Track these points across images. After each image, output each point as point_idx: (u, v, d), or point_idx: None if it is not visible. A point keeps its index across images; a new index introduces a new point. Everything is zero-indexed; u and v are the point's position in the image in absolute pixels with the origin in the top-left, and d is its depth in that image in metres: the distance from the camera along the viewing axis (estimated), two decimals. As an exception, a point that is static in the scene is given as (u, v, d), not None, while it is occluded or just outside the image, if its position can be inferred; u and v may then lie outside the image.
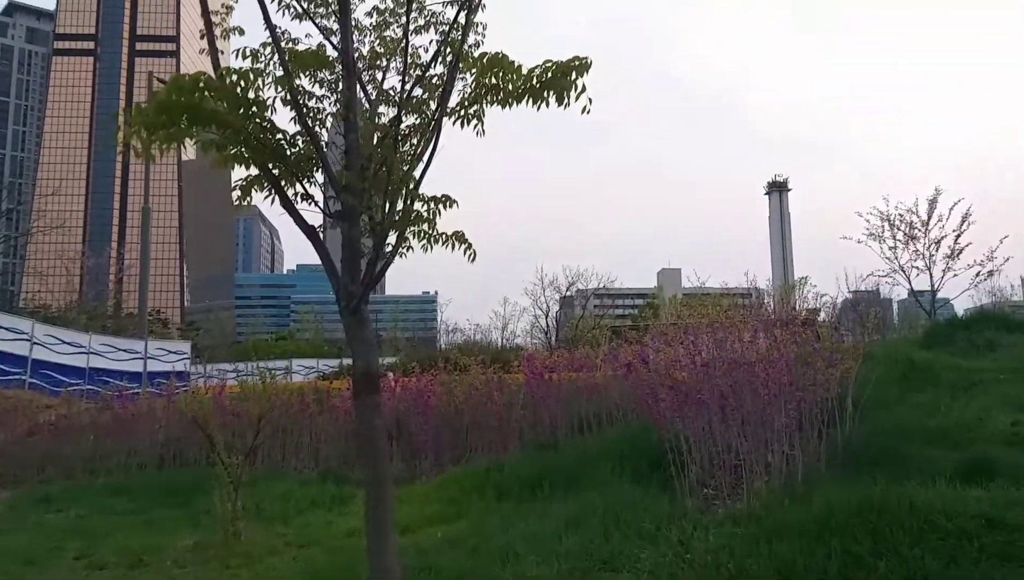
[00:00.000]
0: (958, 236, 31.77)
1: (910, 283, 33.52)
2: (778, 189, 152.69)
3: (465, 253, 8.51)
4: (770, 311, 14.13)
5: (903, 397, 12.59)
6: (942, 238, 32.02)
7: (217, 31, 8.96)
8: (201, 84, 7.15)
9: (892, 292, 44.10)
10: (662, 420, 9.87)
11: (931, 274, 32.60)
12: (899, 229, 32.71)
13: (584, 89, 7.99)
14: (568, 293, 72.44)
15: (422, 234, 8.64)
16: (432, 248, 8.50)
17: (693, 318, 12.36)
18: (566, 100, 7.90)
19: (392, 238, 8.47)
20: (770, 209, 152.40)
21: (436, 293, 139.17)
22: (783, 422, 9.06)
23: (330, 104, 9.24)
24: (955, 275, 32.21)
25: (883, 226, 33.07)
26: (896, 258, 33.11)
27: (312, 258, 8.90)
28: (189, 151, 7.82)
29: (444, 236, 8.62)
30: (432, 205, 8.59)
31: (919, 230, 32.40)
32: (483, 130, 8.73)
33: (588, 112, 8.02)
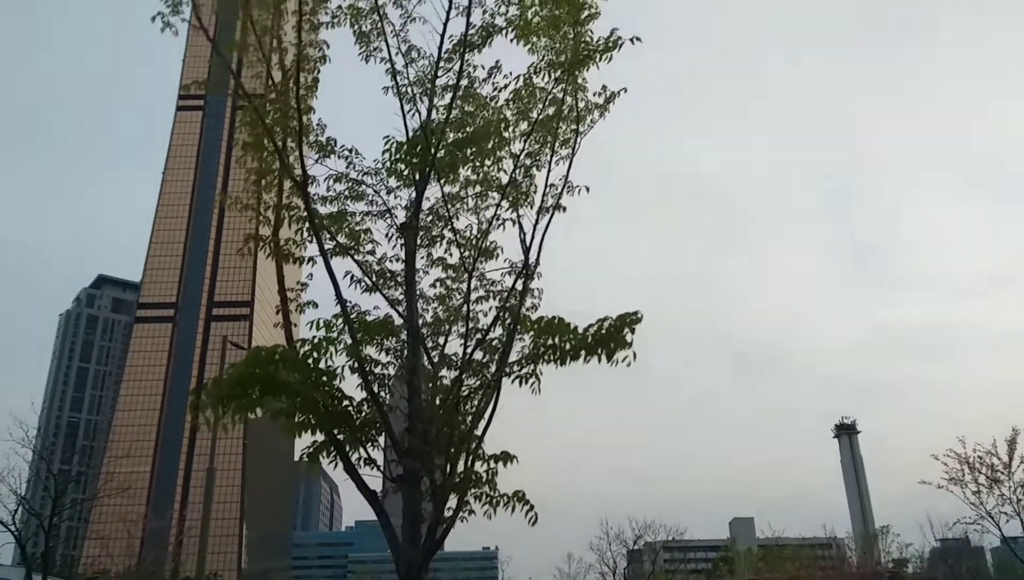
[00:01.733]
0: (1044, 478, 30.05)
1: (1000, 530, 31.31)
2: (847, 432, 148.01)
3: (526, 515, 8.42)
4: (854, 565, 13.30)
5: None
6: (1028, 481, 30.31)
7: (292, 306, 9.65)
8: (277, 357, 7.62)
9: (983, 539, 41.16)
10: None
11: (1022, 519, 30.51)
12: (980, 472, 31.15)
13: (631, 343, 8.25)
14: (636, 546, 69.03)
15: (483, 496, 8.63)
16: (494, 511, 8.43)
17: (772, 575, 11.72)
18: (616, 359, 8.15)
19: (453, 502, 8.48)
20: (841, 453, 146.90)
21: (496, 548, 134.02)
22: None
23: (394, 369, 9.68)
24: (1048, 520, 30.08)
25: (963, 470, 31.54)
26: (982, 503, 31.23)
27: (372, 514, 8.88)
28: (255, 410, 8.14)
29: (505, 497, 8.58)
30: (492, 463, 8.65)
31: (1002, 473, 30.82)
32: (539, 389, 8.95)
33: (630, 365, 8.24)
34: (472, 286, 9.70)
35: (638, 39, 9.30)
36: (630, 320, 8.13)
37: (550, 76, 9.55)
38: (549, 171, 9.78)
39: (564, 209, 9.57)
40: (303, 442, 8.73)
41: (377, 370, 9.20)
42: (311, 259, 9.54)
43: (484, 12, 9.72)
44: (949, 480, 31.83)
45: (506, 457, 8.54)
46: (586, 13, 9.36)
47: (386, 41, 9.87)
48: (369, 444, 8.68)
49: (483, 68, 9.96)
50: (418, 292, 9.64)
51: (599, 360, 8.34)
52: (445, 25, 9.63)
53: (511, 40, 9.64)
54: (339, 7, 10.01)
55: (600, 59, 9.30)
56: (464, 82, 9.80)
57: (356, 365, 8.48)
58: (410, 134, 9.54)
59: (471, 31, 9.58)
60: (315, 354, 7.92)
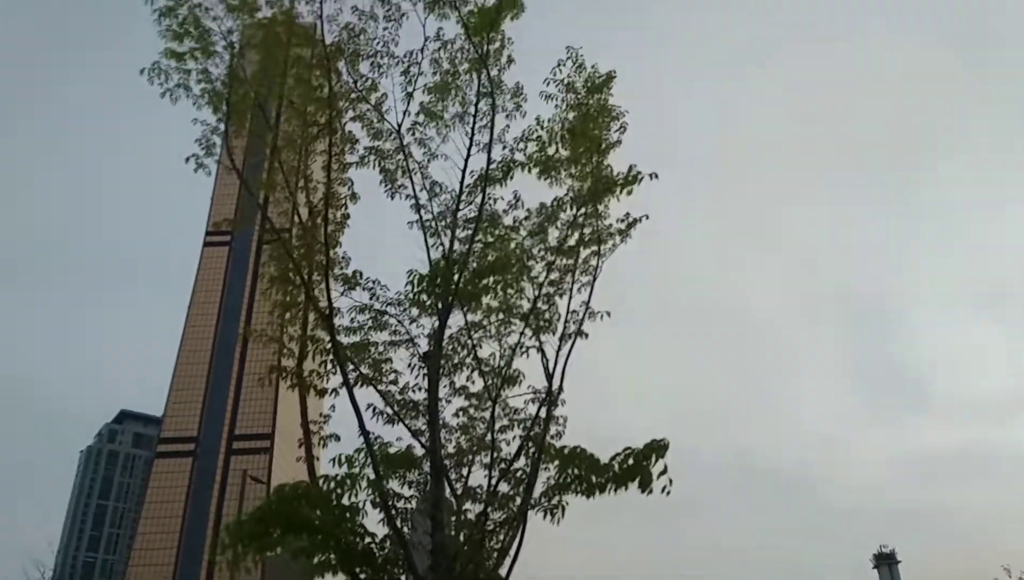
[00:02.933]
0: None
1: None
2: (886, 561, 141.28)
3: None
4: None
5: None
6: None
7: (314, 438, 9.54)
8: (300, 493, 7.46)
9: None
10: None
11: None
12: (1028, 602, 29.59)
13: (665, 470, 8.03)
14: None
15: (508, 640, 8.22)
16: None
17: None
18: (650, 487, 7.91)
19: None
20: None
21: None
22: None
23: (417, 502, 9.44)
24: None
25: (1012, 605, 29.97)
26: (1033, 636, 29.45)
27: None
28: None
29: (531, 642, 8.18)
30: (520, 605, 8.29)
31: (1049, 607, 29.23)
32: (561, 518, 8.68)
33: (668, 493, 7.99)
34: (496, 414, 9.60)
35: (655, 175, 9.62)
36: (656, 447, 7.96)
37: (571, 207, 9.81)
38: (571, 298, 9.86)
39: (586, 335, 9.57)
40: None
41: (400, 504, 8.97)
42: (334, 390, 9.51)
43: (504, 148, 10.08)
44: (999, 615, 30.24)
45: (533, 598, 8.17)
46: (605, 145, 9.71)
47: (410, 178, 10.20)
48: (391, 583, 8.37)
49: (503, 200, 10.23)
50: (441, 421, 9.52)
51: (626, 489, 8.12)
52: (466, 161, 9.96)
53: (536, 176, 9.97)
54: (367, 148, 10.41)
55: (620, 192, 9.60)
56: (486, 215, 10.02)
57: (379, 500, 8.29)
58: (433, 265, 9.69)
59: (492, 166, 9.90)
60: (339, 491, 7.77)
